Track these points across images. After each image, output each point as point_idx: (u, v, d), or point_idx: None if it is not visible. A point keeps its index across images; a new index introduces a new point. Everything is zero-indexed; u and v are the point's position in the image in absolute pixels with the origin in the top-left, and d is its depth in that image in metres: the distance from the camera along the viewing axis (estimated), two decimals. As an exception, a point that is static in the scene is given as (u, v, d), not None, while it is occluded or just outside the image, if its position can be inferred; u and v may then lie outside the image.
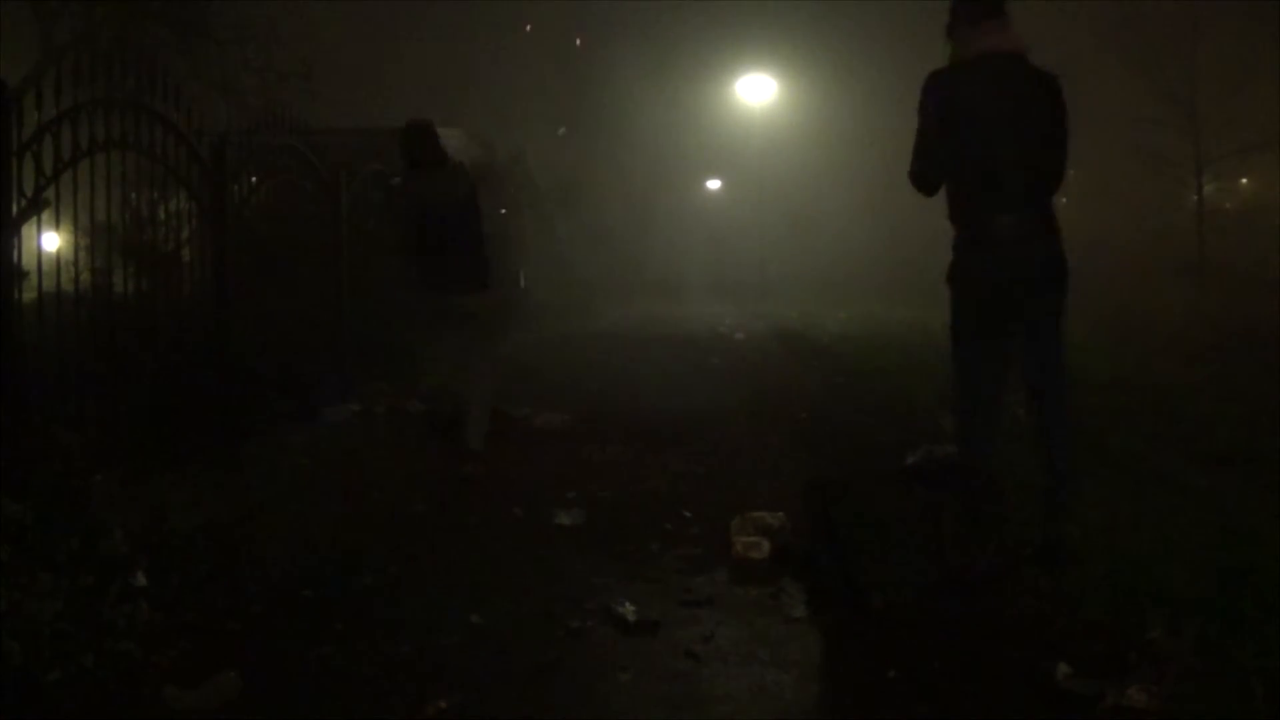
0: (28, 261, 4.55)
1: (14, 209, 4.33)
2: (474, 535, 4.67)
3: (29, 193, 4.43)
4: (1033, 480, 4.08)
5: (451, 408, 6.91)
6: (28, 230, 4.47)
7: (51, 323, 4.64)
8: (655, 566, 4.19)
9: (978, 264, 3.97)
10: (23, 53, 13.34)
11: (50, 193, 4.58)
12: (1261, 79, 14.36)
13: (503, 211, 14.02)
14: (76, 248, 5.48)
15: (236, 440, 5.73)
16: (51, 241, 4.95)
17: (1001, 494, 3.97)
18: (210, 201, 5.98)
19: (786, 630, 3.53)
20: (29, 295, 4.56)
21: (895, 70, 23.69)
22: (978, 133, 3.90)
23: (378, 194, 9.52)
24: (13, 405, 4.14)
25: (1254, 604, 3.34)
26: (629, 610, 3.58)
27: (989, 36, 3.93)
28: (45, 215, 4.57)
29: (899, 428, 6.77)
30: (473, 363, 5.94)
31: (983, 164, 3.90)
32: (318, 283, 7.93)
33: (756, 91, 27.58)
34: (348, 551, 4.31)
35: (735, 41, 27.10)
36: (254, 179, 6.66)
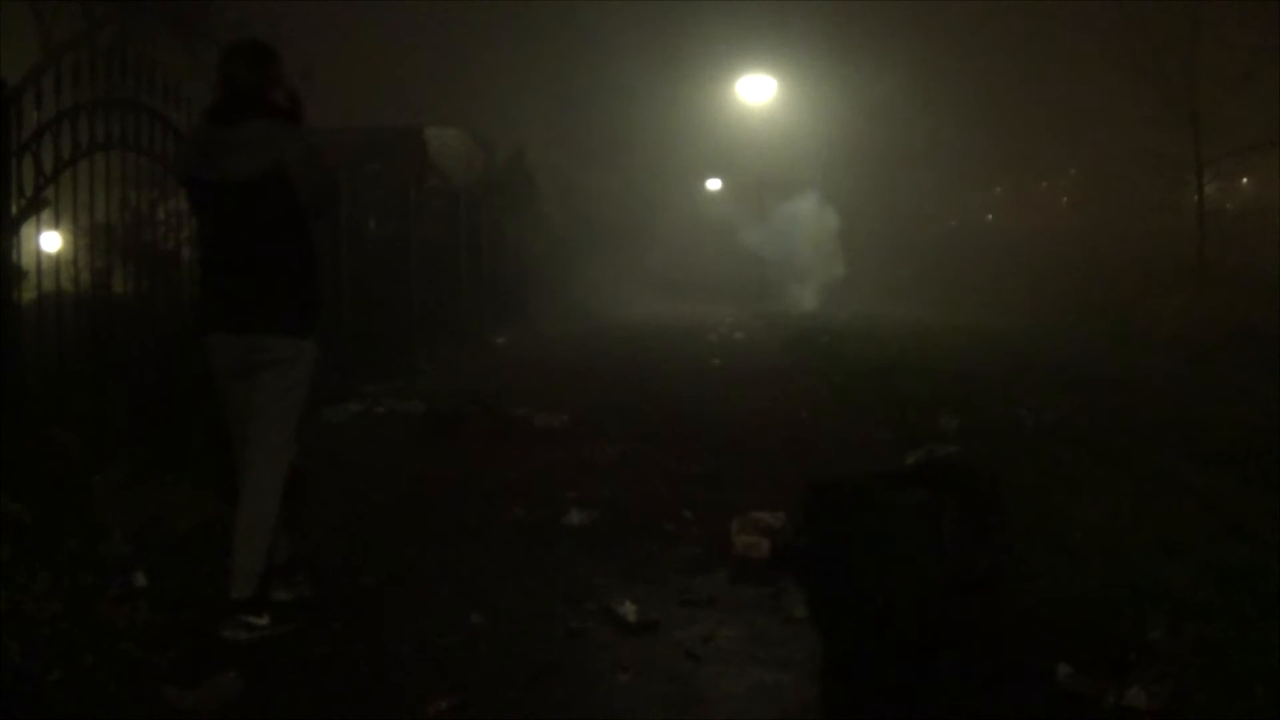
0: (28, 261, 4.54)
1: (14, 208, 4.33)
2: (474, 535, 4.67)
3: (29, 192, 4.43)
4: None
5: (452, 408, 6.90)
6: (28, 230, 4.46)
7: (51, 323, 4.64)
8: (655, 566, 4.19)
9: None
10: (23, 53, 13.34)
11: (50, 192, 4.58)
12: (1261, 79, 14.36)
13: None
14: (76, 248, 5.47)
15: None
16: (51, 241, 4.94)
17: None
18: (210, 201, 5.97)
19: (786, 630, 3.53)
20: (29, 295, 4.56)
21: (896, 69, 23.74)
22: None
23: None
24: (13, 405, 4.14)
25: (1254, 604, 3.35)
26: (629, 610, 3.58)
27: None
28: (45, 215, 4.56)
29: (899, 428, 6.77)
30: (253, 450, 3.72)
31: None
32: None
33: (756, 91, 27.55)
34: (347, 551, 4.31)
35: (735, 41, 27.09)
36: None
